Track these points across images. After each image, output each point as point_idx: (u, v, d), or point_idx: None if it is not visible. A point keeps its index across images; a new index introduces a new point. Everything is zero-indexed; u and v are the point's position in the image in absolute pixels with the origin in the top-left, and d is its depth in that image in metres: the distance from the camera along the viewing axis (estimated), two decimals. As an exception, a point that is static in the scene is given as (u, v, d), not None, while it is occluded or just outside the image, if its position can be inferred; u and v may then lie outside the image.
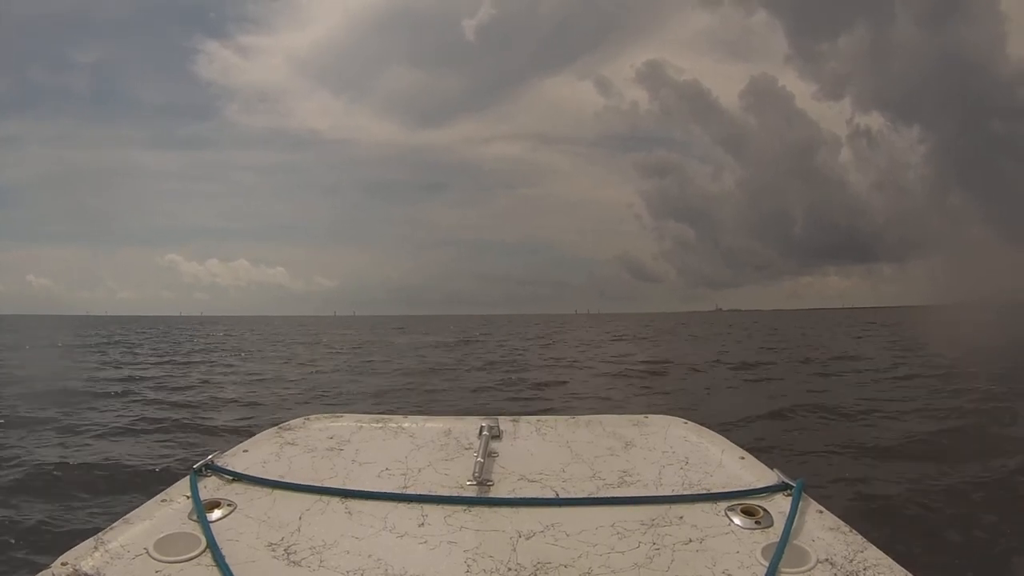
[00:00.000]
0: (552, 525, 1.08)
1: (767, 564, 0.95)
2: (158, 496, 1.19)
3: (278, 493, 1.21)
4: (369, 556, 1.01)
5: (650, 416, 1.60)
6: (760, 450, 1.42)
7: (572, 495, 1.20)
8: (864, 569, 0.95)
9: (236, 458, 1.36)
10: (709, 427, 1.52)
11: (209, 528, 1.06)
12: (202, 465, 1.29)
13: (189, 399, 9.46)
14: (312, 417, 1.62)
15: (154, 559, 0.99)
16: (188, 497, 1.17)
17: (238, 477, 1.27)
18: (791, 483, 1.18)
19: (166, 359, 17.26)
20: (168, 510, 1.14)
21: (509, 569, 0.97)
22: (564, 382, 11.34)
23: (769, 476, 1.24)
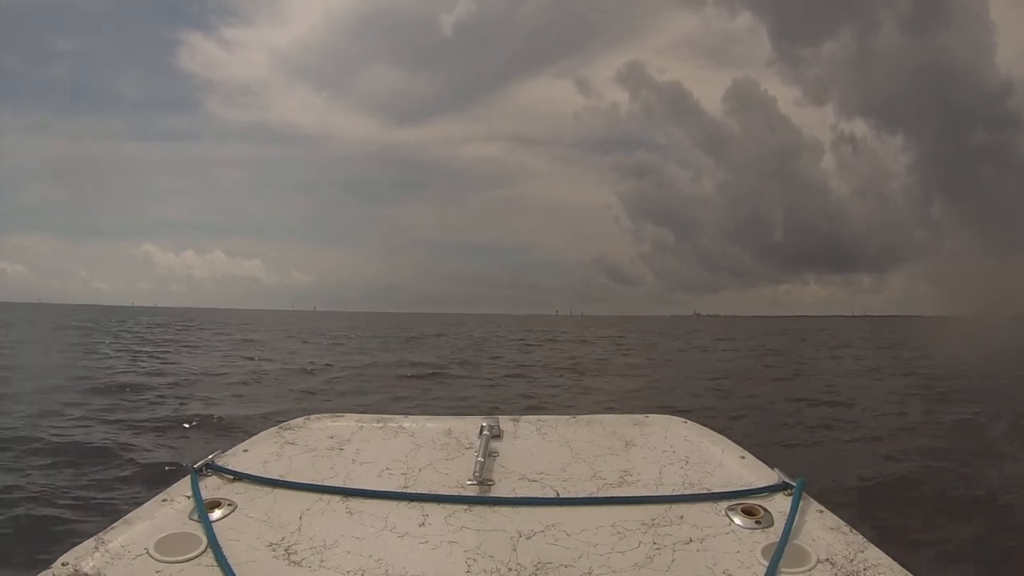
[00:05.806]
0: (552, 525, 1.08)
1: (767, 564, 0.95)
2: (159, 496, 1.19)
3: (279, 493, 1.21)
4: (370, 556, 1.01)
5: (650, 415, 1.60)
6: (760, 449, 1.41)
7: (572, 495, 1.20)
8: (864, 569, 0.95)
9: (237, 458, 1.36)
10: (710, 427, 1.52)
11: (210, 528, 1.06)
12: (202, 464, 1.29)
13: None
14: (313, 417, 1.63)
15: (155, 559, 0.99)
16: (189, 497, 1.17)
17: (239, 477, 1.27)
18: (791, 483, 1.18)
19: None
20: (169, 510, 1.14)
21: (510, 569, 0.97)
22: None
23: (769, 475, 1.24)
